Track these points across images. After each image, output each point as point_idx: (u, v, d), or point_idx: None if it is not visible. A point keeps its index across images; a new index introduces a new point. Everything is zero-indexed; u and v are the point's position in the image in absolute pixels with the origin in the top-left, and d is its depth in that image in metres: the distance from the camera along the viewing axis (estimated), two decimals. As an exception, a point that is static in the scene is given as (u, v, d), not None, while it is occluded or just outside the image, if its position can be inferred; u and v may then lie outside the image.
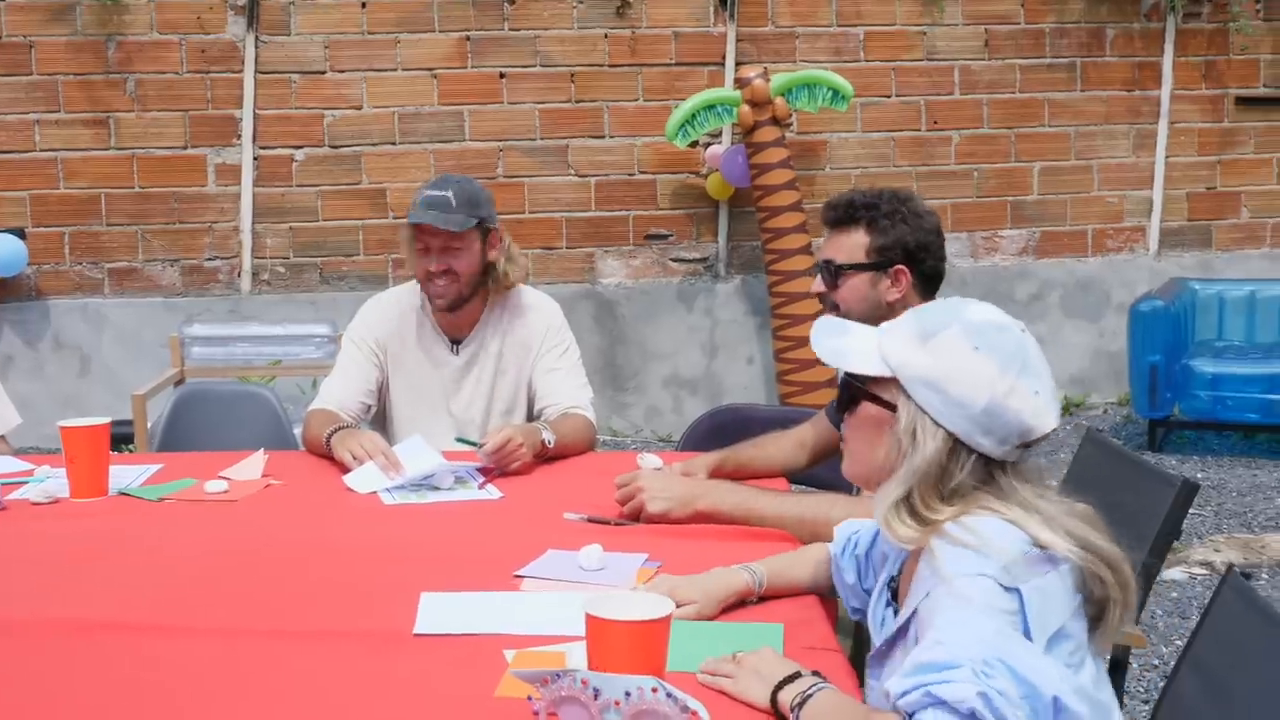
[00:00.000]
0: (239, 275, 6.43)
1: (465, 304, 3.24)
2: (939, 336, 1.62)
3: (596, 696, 1.52)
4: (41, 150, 6.21)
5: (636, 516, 2.57)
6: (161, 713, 1.70)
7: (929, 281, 2.66)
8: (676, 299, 6.69)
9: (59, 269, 6.30)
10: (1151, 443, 6.17)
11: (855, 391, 1.70)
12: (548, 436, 3.03)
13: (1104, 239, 6.99)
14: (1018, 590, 1.50)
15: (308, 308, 6.37)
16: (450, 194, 3.15)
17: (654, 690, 1.50)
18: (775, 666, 1.71)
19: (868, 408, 1.68)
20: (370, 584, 2.22)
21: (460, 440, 3.09)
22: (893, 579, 1.79)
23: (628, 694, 1.51)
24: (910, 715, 1.46)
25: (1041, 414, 1.61)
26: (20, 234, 6.13)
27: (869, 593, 2.00)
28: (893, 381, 1.65)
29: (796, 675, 1.67)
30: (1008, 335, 1.64)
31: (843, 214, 2.67)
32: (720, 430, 3.50)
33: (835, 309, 2.68)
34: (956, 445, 1.60)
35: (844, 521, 2.12)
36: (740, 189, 6.46)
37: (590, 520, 2.58)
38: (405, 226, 3.24)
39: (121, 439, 5.08)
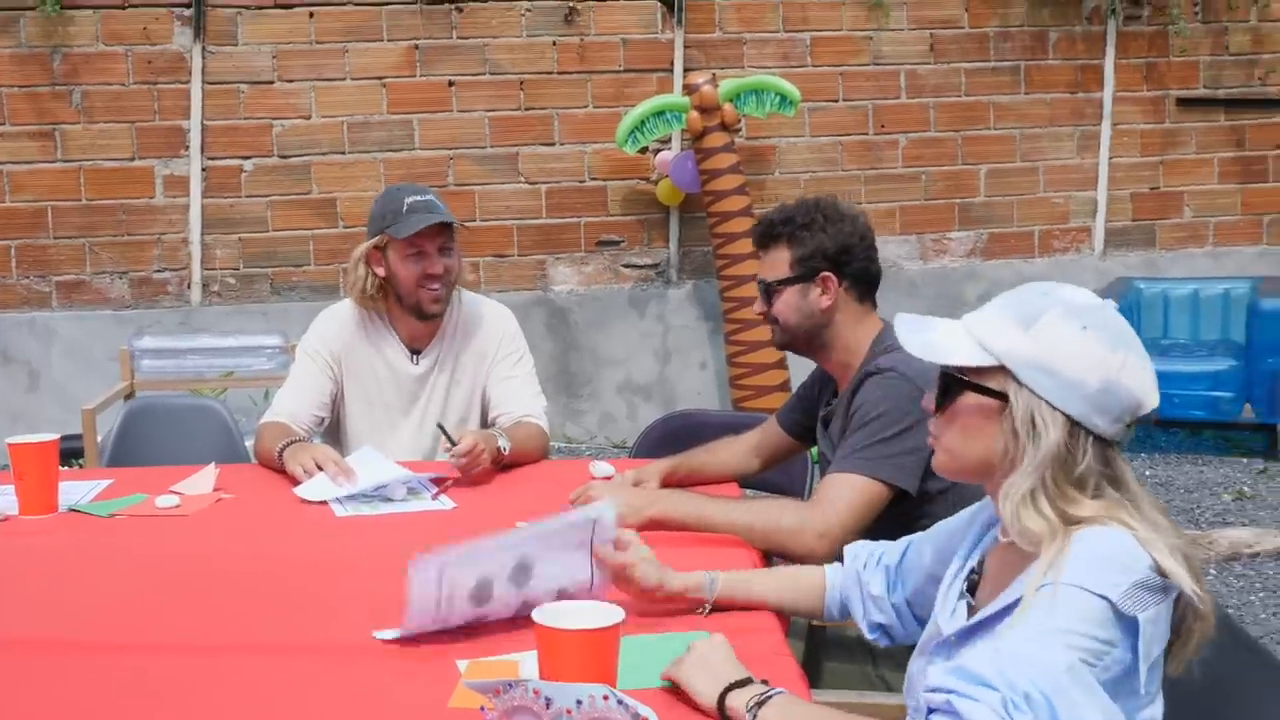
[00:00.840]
0: (189, 287, 6.39)
1: (447, 308, 3.27)
2: (1042, 320, 1.59)
3: (549, 705, 1.54)
4: (-14, 163, 6.15)
5: None
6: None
7: (859, 283, 2.68)
8: (629, 305, 6.72)
9: (5, 283, 6.24)
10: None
11: (956, 384, 1.64)
12: (503, 443, 3.05)
13: (1050, 240, 7.09)
14: (1135, 619, 1.47)
15: (259, 318, 6.34)
16: (433, 197, 3.22)
17: (605, 698, 1.52)
18: (724, 666, 1.71)
19: (969, 400, 1.63)
20: (322, 596, 2.23)
21: (439, 427, 3.09)
22: (973, 571, 1.75)
23: (579, 702, 1.53)
24: (929, 711, 1.47)
25: (1150, 388, 1.60)
26: (-35, 248, 6.07)
27: (895, 607, 2.00)
28: (997, 370, 1.60)
29: (747, 681, 1.67)
30: (1110, 313, 1.62)
31: (764, 234, 2.72)
32: (673, 436, 3.53)
33: (775, 324, 2.72)
34: (1074, 428, 1.56)
35: (853, 544, 2.12)
36: (690, 194, 6.49)
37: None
38: (367, 246, 3.22)
39: (71, 454, 5.04)
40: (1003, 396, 1.60)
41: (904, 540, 2.05)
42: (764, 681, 1.69)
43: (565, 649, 1.61)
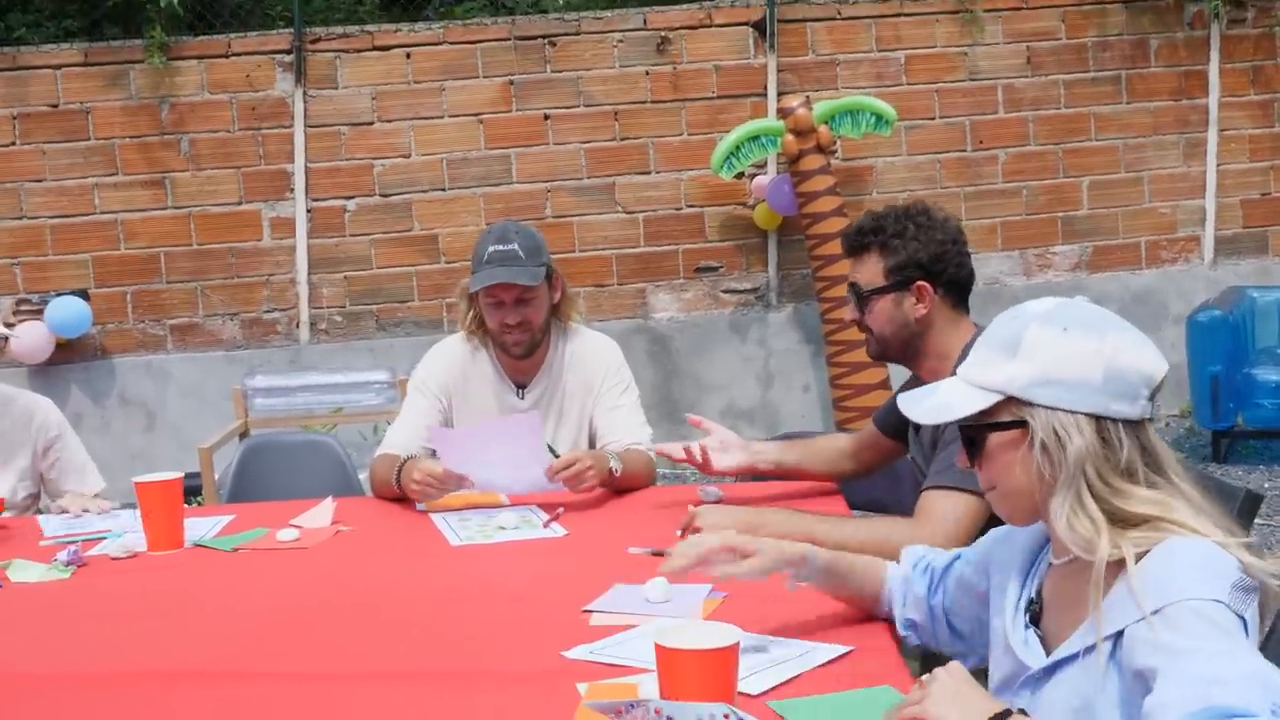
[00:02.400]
0: (297, 326, 6.53)
1: (537, 349, 3.30)
2: (1024, 340, 1.62)
3: None
4: (102, 213, 6.35)
5: None
6: None
7: (954, 289, 2.67)
8: (729, 330, 6.71)
9: (122, 327, 6.43)
10: (1216, 454, 6.09)
11: (977, 432, 1.68)
12: (615, 465, 3.09)
13: (1158, 250, 6.94)
14: (1244, 619, 1.47)
15: (365, 354, 6.45)
16: (516, 246, 3.21)
17: (725, 716, 1.52)
18: (976, 696, 1.58)
19: (994, 441, 1.66)
20: (441, 624, 2.25)
21: (548, 448, 3.14)
22: (1032, 601, 1.74)
23: None
24: None
25: (1151, 357, 1.62)
26: (84, 295, 6.27)
27: (933, 609, 2.01)
28: (1006, 404, 1.64)
29: (1006, 714, 1.55)
30: (1081, 307, 1.66)
31: (854, 242, 2.70)
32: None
33: (869, 332, 2.72)
34: (1100, 423, 1.59)
35: (910, 546, 2.14)
36: (788, 218, 6.48)
37: (654, 554, 2.60)
38: (468, 282, 3.28)
39: (189, 491, 5.16)
40: (1021, 423, 1.63)
41: (954, 551, 2.06)
42: (1021, 712, 1.58)
43: (685, 669, 1.61)
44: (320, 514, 3.02)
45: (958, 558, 2.02)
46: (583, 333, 3.45)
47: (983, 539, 1.96)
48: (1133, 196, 6.89)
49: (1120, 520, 1.57)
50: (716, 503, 2.94)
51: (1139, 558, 1.56)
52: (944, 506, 2.44)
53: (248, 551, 2.80)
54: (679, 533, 2.60)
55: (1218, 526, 1.57)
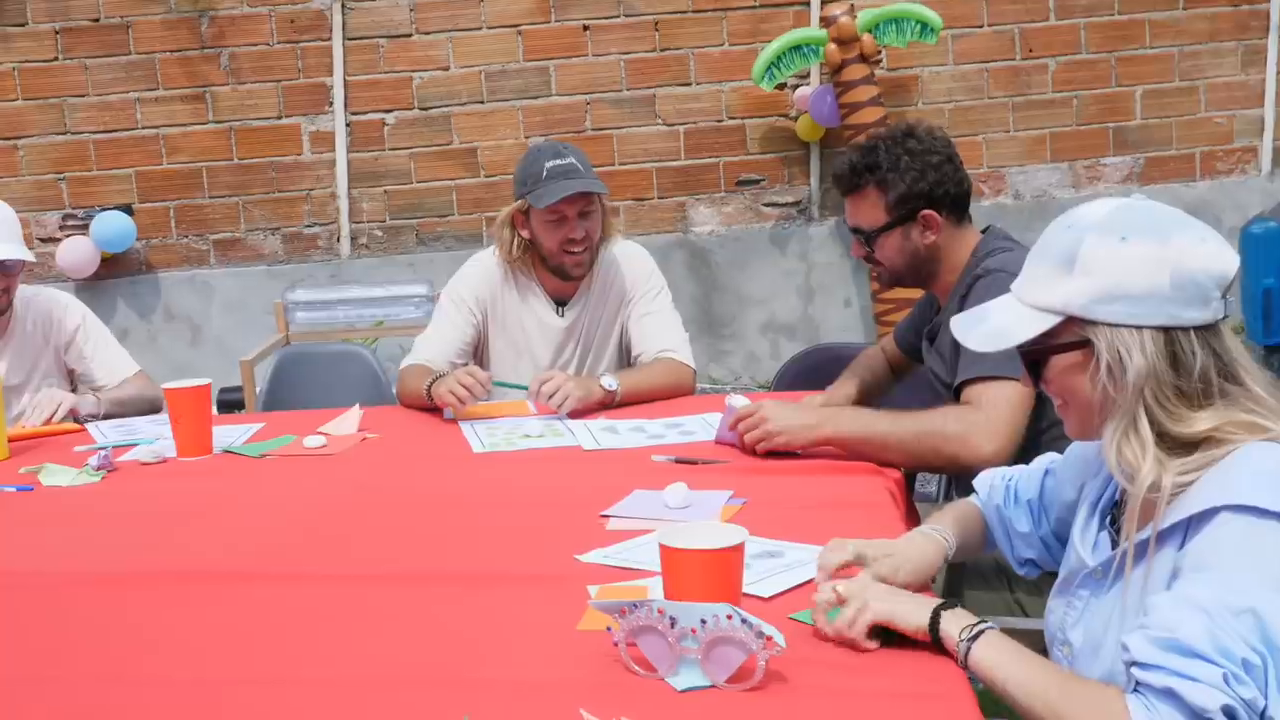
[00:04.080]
0: (338, 240, 6.54)
1: (593, 266, 3.28)
2: (1081, 253, 1.53)
3: (673, 625, 1.55)
4: (144, 128, 6.36)
5: (754, 448, 2.57)
6: (263, 651, 1.77)
7: (957, 206, 2.62)
8: (770, 244, 6.64)
9: (166, 243, 6.47)
10: (1267, 369, 5.97)
11: (1039, 355, 1.60)
12: (610, 384, 3.06)
13: (1213, 161, 6.77)
14: None
15: (406, 269, 6.45)
16: (573, 160, 3.19)
17: (729, 617, 1.52)
18: (909, 592, 1.66)
19: (1060, 363, 1.58)
20: (458, 529, 2.27)
21: (501, 385, 3.14)
22: (1115, 503, 1.68)
23: (703, 621, 1.53)
24: (1136, 685, 1.39)
25: (1220, 253, 1.54)
26: (129, 210, 6.30)
27: (1044, 540, 1.92)
28: (1067, 324, 1.56)
29: (953, 603, 1.60)
30: (1139, 209, 1.57)
31: (850, 182, 2.63)
32: (812, 370, 3.51)
33: (880, 266, 2.67)
34: (1171, 335, 1.50)
35: (980, 475, 2.04)
36: (830, 129, 6.37)
37: (678, 461, 2.61)
38: (516, 206, 3.24)
39: (234, 404, 5.23)
40: (1086, 343, 1.55)
41: (1040, 467, 1.97)
42: (958, 602, 1.63)
43: (689, 569, 1.61)
44: (347, 421, 3.04)
45: (1047, 473, 1.94)
46: (615, 244, 3.43)
47: (1072, 448, 1.86)
48: (1187, 106, 6.70)
49: (1177, 445, 1.50)
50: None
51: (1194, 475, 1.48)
52: (991, 394, 2.39)
53: (275, 458, 2.83)
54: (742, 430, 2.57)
55: None
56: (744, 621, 1.52)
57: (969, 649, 1.54)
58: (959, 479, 2.74)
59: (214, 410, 4.91)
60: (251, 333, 6.16)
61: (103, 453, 2.70)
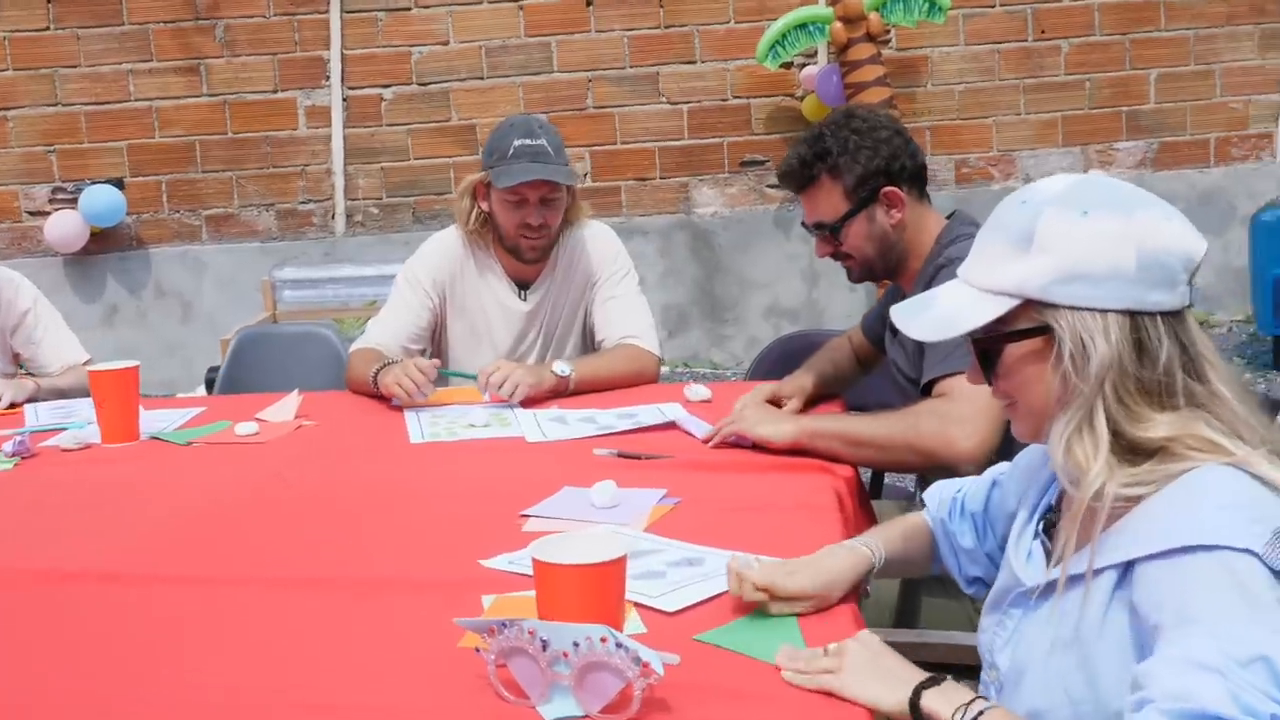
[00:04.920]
0: (333, 218, 6.45)
1: (549, 253, 3.16)
2: (1038, 230, 1.38)
3: (545, 648, 1.43)
4: (136, 100, 6.28)
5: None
6: (158, 657, 1.66)
7: (916, 179, 2.50)
8: (774, 226, 6.50)
9: (158, 217, 6.39)
10: (1276, 361, 5.80)
11: (991, 344, 1.44)
12: (563, 370, 2.94)
13: (1227, 148, 6.56)
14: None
15: (402, 248, 6.30)
16: (544, 142, 3.04)
17: (603, 640, 1.39)
18: (897, 664, 1.47)
19: (1015, 351, 1.42)
20: (370, 527, 2.15)
21: (449, 374, 3.05)
22: (1050, 508, 1.54)
23: (576, 644, 1.41)
24: None
25: (1186, 234, 1.38)
26: (119, 184, 6.23)
27: (990, 557, 1.77)
28: (1023, 309, 1.40)
29: (939, 679, 1.44)
30: (1101, 183, 1.42)
31: (801, 176, 2.50)
32: (791, 357, 3.37)
33: (849, 259, 2.54)
34: (1136, 320, 1.36)
35: (930, 488, 1.91)
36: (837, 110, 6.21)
37: (620, 456, 2.49)
38: (476, 177, 3.13)
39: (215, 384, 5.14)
40: (1045, 329, 1.39)
41: (988, 477, 1.83)
42: (948, 678, 1.46)
43: (563, 586, 1.48)
44: (285, 408, 2.94)
45: (995, 484, 1.79)
46: (583, 225, 3.30)
47: (1024, 453, 1.70)
48: (1202, 90, 6.50)
49: (1130, 450, 1.35)
50: (705, 402, 2.84)
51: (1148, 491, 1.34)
52: (965, 385, 2.25)
53: (201, 445, 2.73)
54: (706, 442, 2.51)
55: (1261, 441, 1.34)
56: (619, 646, 1.39)
57: None
58: (927, 479, 2.62)
59: (203, 390, 4.84)
60: (244, 310, 6.09)
61: (18, 438, 2.60)
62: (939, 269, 2.39)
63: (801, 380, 2.79)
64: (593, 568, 1.48)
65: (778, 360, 3.44)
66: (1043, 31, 6.43)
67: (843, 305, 6.53)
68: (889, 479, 3.29)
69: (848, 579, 1.72)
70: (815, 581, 1.68)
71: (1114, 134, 6.52)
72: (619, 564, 1.51)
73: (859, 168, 2.44)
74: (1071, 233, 1.37)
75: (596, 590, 1.49)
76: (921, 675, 1.45)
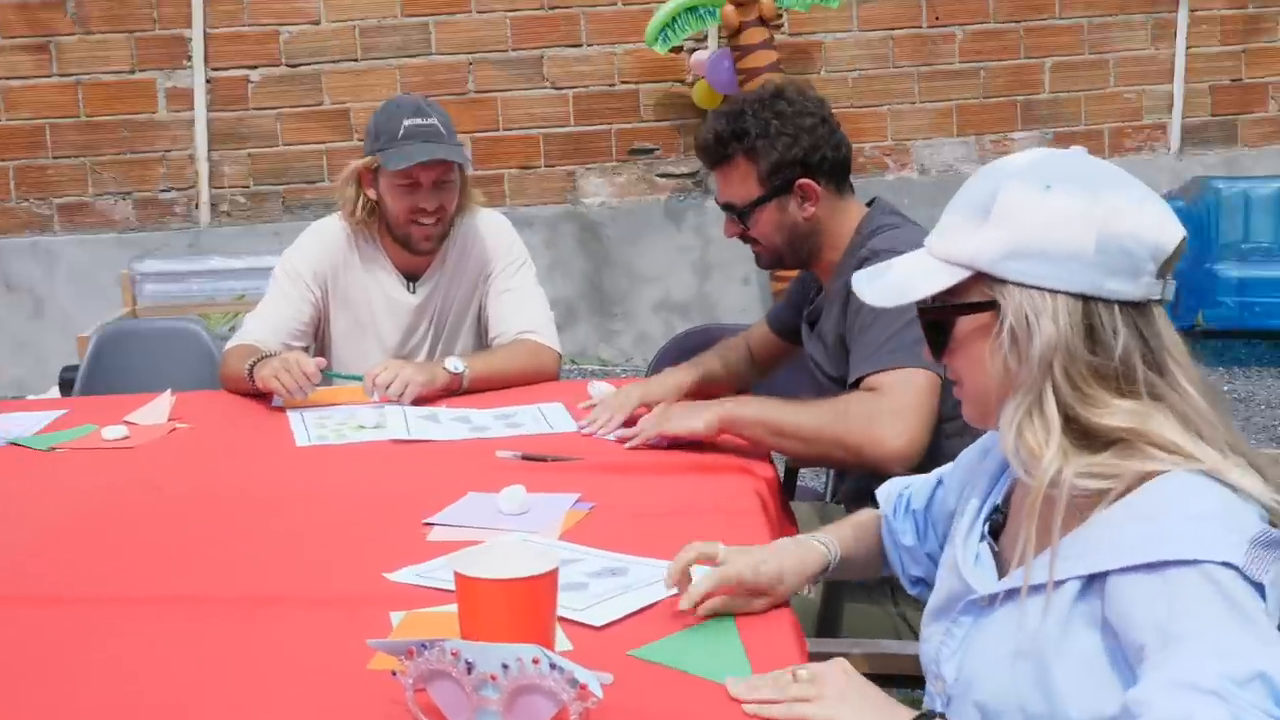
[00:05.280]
0: (196, 207, 6.09)
1: (443, 242, 2.96)
2: (998, 202, 1.32)
3: (470, 670, 1.27)
4: (-21, 79, 5.84)
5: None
6: (16, 689, 1.48)
7: (836, 173, 2.37)
8: (665, 217, 6.32)
9: (5, 206, 5.98)
10: (1176, 353, 5.85)
11: (941, 315, 1.38)
12: (453, 364, 2.73)
13: (1122, 138, 6.57)
14: (1261, 585, 1.20)
15: (271, 239, 5.99)
16: (435, 122, 2.87)
17: (535, 661, 1.24)
18: (877, 698, 1.37)
19: (965, 325, 1.36)
20: (258, 539, 1.98)
21: (334, 376, 2.85)
22: (996, 509, 1.46)
23: (505, 666, 1.26)
24: None
25: (1160, 222, 1.31)
26: (-40, 170, 5.78)
27: (930, 557, 1.68)
28: (976, 282, 1.34)
29: (934, 716, 1.36)
30: (1074, 159, 1.37)
31: (715, 154, 2.38)
32: (690, 355, 3.19)
33: (756, 244, 2.41)
34: (1090, 306, 1.29)
35: (885, 484, 1.80)
36: (728, 96, 6.04)
37: (524, 458, 2.28)
38: (362, 162, 2.90)
39: (69, 384, 4.77)
40: (992, 305, 1.31)
41: (934, 475, 1.74)
42: (941, 716, 1.37)
43: (489, 602, 1.33)
44: (156, 410, 2.69)
45: (940, 482, 1.71)
46: (475, 213, 3.10)
47: (966, 451, 1.65)
48: (1096, 80, 6.49)
49: (1085, 436, 1.29)
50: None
51: (1121, 494, 1.26)
52: (895, 384, 2.14)
53: (66, 451, 2.49)
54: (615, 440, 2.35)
55: (1224, 444, 1.27)
56: (553, 666, 1.24)
57: None
58: (845, 477, 2.47)
59: (56, 392, 4.49)
60: (100, 306, 5.70)
61: None
62: (861, 260, 2.25)
63: (677, 378, 2.58)
64: (523, 582, 1.35)
65: (676, 359, 3.26)
66: (937, 18, 6.35)
67: (736, 299, 6.37)
68: (801, 479, 3.13)
69: (805, 576, 1.65)
70: (780, 574, 1.61)
71: (1009, 123, 6.48)
72: (551, 577, 1.37)
73: (775, 154, 2.31)
74: (1029, 207, 1.32)
75: (527, 607, 1.34)
76: (911, 712, 1.35)
